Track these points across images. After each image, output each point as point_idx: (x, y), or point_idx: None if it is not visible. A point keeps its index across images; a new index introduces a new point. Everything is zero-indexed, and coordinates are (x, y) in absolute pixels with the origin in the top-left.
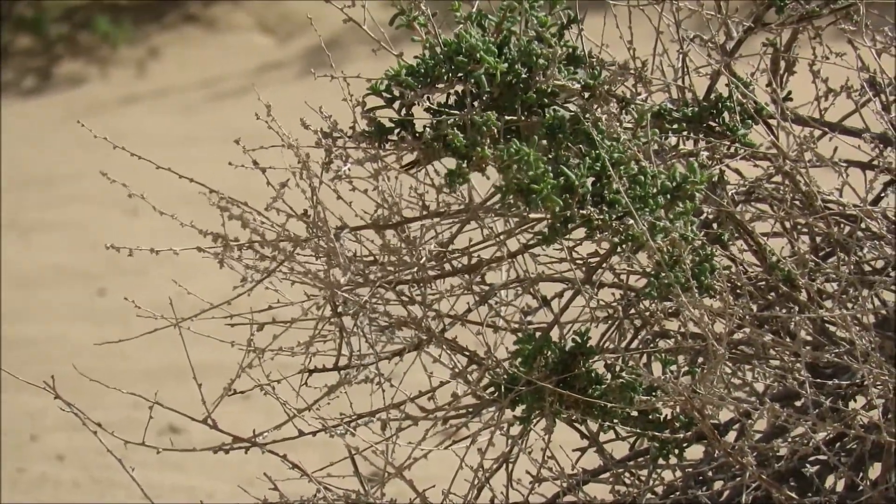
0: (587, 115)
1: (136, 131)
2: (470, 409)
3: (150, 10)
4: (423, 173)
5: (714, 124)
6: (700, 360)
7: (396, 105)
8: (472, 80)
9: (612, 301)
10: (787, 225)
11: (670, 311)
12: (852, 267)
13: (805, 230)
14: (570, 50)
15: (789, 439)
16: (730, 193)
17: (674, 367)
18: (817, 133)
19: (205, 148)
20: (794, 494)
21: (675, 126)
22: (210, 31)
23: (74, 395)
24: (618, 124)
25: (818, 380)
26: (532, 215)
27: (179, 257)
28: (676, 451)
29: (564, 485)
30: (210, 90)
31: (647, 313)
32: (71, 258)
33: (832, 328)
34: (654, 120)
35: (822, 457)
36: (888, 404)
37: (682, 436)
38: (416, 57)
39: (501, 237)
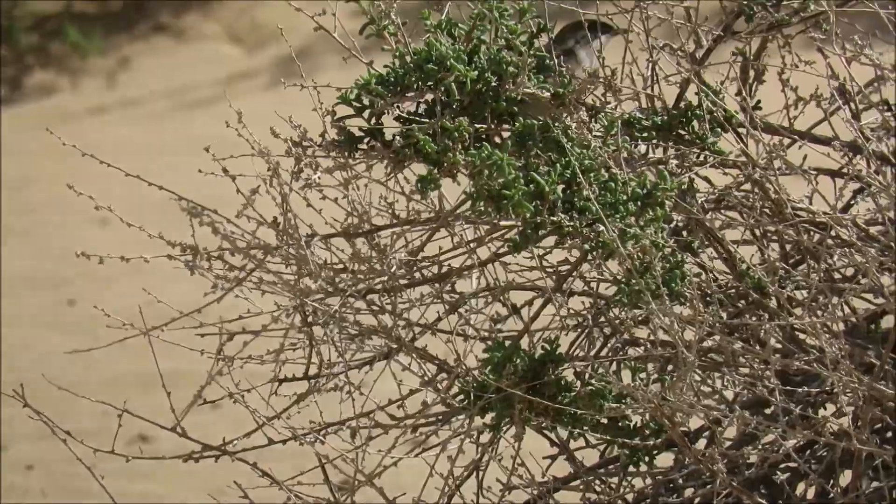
0: (557, 123)
1: (107, 141)
2: (439, 417)
3: (120, 20)
4: (392, 181)
5: (684, 132)
6: (670, 367)
7: (367, 114)
8: (443, 89)
9: (582, 309)
10: (757, 232)
11: (640, 318)
12: (822, 274)
13: (775, 238)
14: (540, 58)
15: (759, 447)
16: (700, 201)
17: (643, 375)
18: (787, 141)
19: (175, 157)
20: (764, 501)
21: (645, 134)
22: (180, 41)
23: (44, 403)
24: (588, 132)
25: (788, 387)
26: (502, 222)
27: (150, 266)
28: (646, 459)
29: (535, 492)
30: (180, 100)
31: (617, 321)
32: (40, 267)
33: (802, 336)
34: (624, 128)
35: (792, 464)
36: (858, 412)
37: (652, 443)
38: (386, 66)
39: (471, 245)
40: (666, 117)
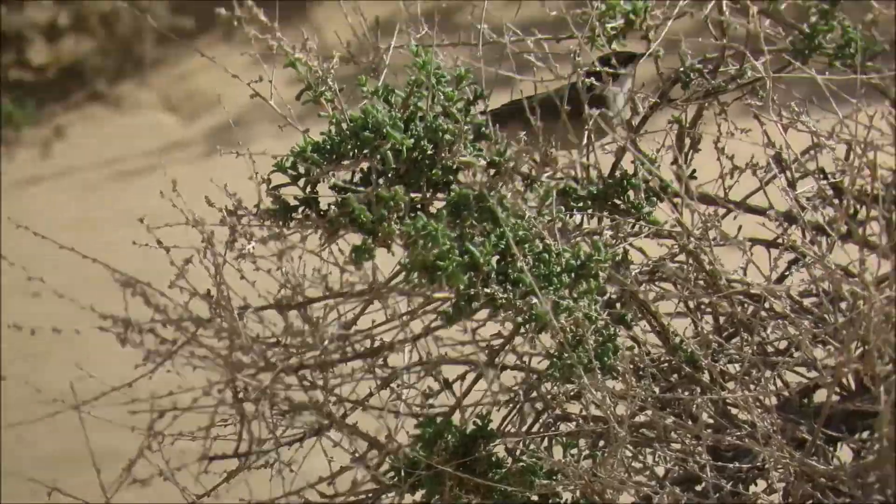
0: (492, 192)
1: (40, 212)
2: (370, 495)
3: (54, 89)
4: (327, 252)
5: (619, 202)
6: (601, 443)
7: (302, 182)
8: (379, 157)
9: (515, 384)
10: (691, 304)
11: (572, 393)
12: (755, 347)
13: (709, 310)
14: (477, 126)
15: None
16: (634, 272)
17: (575, 451)
18: (722, 211)
19: (109, 228)
20: None
21: (580, 204)
22: (115, 110)
23: None
24: (523, 202)
25: (719, 463)
26: (436, 294)
27: (82, 341)
28: None
29: None
30: (115, 169)
31: (549, 396)
32: None
33: (734, 410)
34: (559, 197)
35: None
36: (789, 488)
37: None
38: (322, 133)
39: (405, 318)
40: (601, 186)
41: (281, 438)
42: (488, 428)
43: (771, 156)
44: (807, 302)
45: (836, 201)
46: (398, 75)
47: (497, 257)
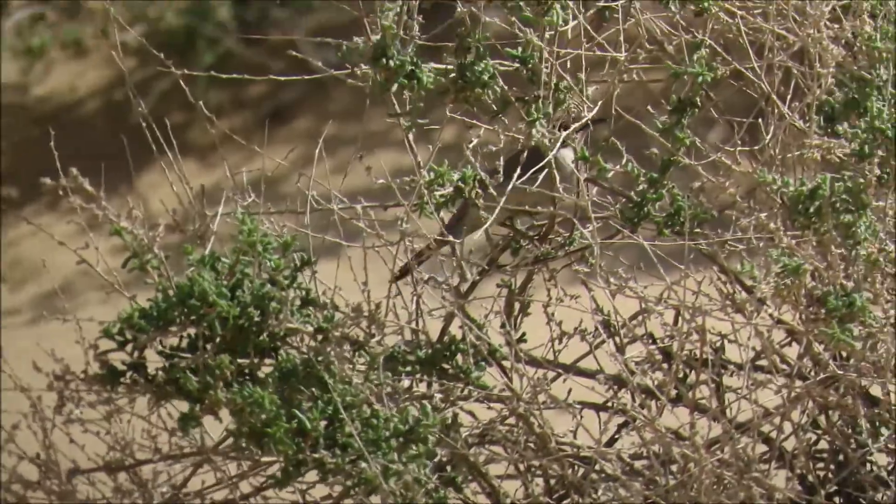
0: (320, 359)
1: None
2: None
3: None
4: (155, 415)
5: (448, 366)
6: None
7: (129, 348)
8: (205, 324)
9: None
10: (521, 467)
11: None
12: None
13: (539, 472)
14: (304, 293)
15: None
16: (463, 436)
17: None
18: (551, 375)
19: None
20: None
21: (409, 368)
22: None
23: None
24: (351, 367)
25: None
26: (265, 458)
27: None
28: None
29: None
30: None
31: None
32: None
33: None
34: (388, 362)
35: None
36: None
37: None
38: (149, 300)
39: (234, 480)
40: (430, 351)
41: None
42: None
43: (599, 321)
44: (637, 464)
45: (665, 365)
46: (225, 243)
47: (325, 422)
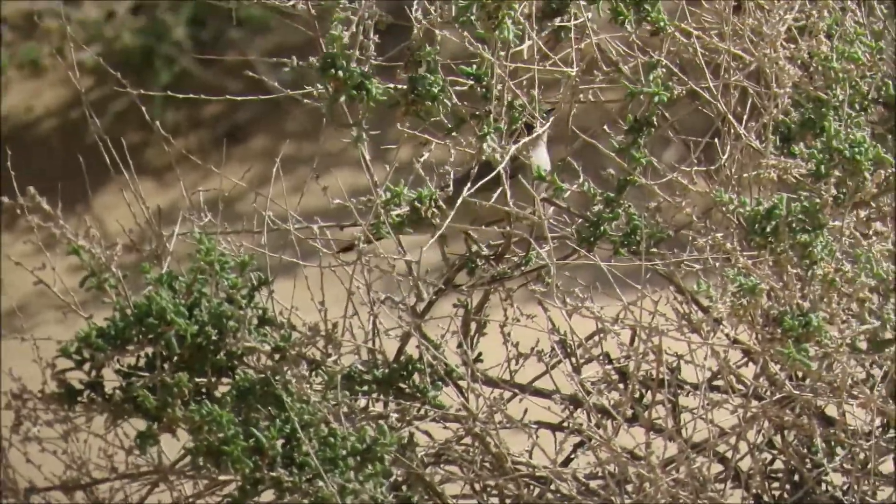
0: (277, 378)
1: None
2: None
3: None
4: (112, 434)
5: (404, 386)
6: None
7: (87, 367)
8: (163, 343)
9: None
10: (477, 486)
11: None
12: None
13: (495, 492)
14: (261, 312)
15: None
16: (420, 455)
17: None
18: (508, 394)
19: None
20: None
21: (366, 388)
22: None
23: None
24: (308, 386)
25: None
26: (222, 477)
27: None
28: None
29: None
30: None
31: None
32: None
33: None
34: (345, 382)
35: None
36: None
37: None
38: (106, 319)
39: (191, 500)
40: (386, 371)
41: None
42: None
43: (556, 341)
44: (593, 484)
45: (621, 385)
46: (182, 262)
47: (283, 441)
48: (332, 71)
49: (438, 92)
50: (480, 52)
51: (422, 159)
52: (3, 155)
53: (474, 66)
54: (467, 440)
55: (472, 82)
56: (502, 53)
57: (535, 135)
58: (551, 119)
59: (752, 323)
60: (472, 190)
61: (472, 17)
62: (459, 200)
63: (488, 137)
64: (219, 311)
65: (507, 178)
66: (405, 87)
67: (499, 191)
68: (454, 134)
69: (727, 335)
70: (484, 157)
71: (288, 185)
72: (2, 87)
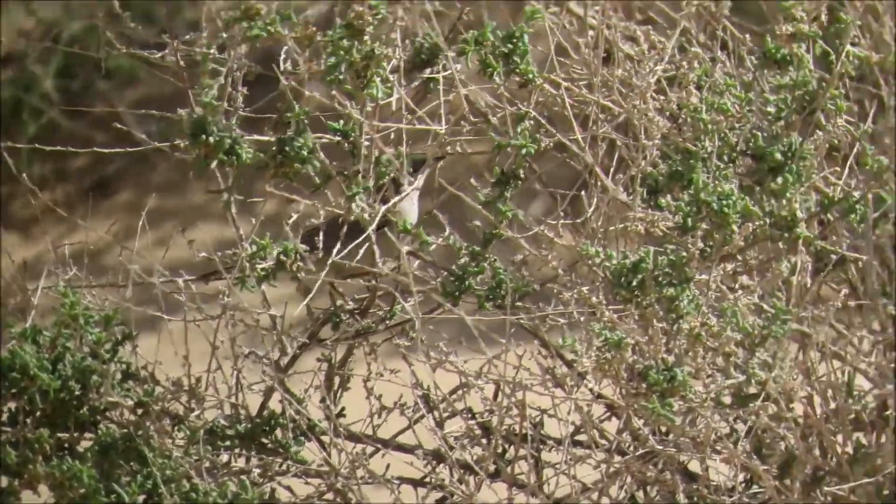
0: (140, 433)
1: None
2: None
3: None
4: None
5: (267, 441)
6: None
7: None
8: (26, 397)
9: None
10: None
11: None
12: None
13: None
14: (125, 366)
15: None
16: None
17: None
18: (370, 449)
19: None
20: None
21: (228, 443)
22: None
23: None
24: (170, 441)
25: None
26: None
27: None
28: None
29: None
30: None
31: None
32: None
33: None
34: (207, 437)
35: None
36: None
37: None
38: None
39: None
40: (249, 426)
41: None
42: None
43: (419, 395)
44: None
45: (484, 440)
46: (46, 316)
47: (144, 497)
48: (203, 137)
49: (308, 154)
50: (349, 110)
51: (290, 220)
52: None
53: (342, 122)
54: (329, 496)
55: (339, 138)
56: (370, 109)
57: (403, 194)
58: (422, 175)
59: (616, 377)
60: (345, 252)
61: (340, 77)
62: (330, 260)
63: (357, 198)
64: (82, 365)
65: (373, 232)
66: (273, 146)
67: (365, 247)
68: (321, 190)
69: (591, 390)
70: (352, 218)
71: (153, 237)
72: None
